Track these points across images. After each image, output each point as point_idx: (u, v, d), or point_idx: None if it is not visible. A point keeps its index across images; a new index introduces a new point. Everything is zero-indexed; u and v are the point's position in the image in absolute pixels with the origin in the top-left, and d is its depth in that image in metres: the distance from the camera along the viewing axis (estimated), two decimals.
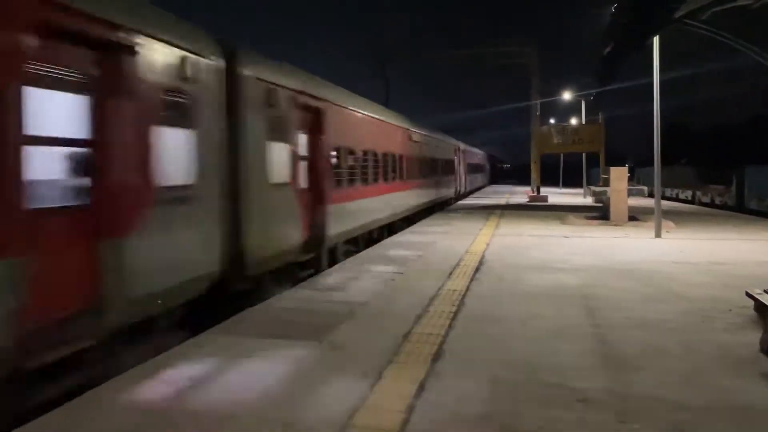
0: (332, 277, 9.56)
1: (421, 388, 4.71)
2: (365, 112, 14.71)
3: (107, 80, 5.49)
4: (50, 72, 5.01)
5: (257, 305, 7.63)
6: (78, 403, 4.46)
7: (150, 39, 6.04)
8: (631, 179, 21.17)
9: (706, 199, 35.19)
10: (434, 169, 25.89)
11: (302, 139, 10.31)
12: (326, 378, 4.91)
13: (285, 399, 4.50)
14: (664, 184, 20.89)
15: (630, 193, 18.45)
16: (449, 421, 4.14)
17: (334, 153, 11.75)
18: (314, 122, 10.71)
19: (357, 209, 13.21)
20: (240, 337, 6.12)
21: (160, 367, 5.21)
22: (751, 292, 6.50)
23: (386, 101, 36.60)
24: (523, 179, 67.55)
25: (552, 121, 52.08)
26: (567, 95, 41.82)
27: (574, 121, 47.01)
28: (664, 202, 20.95)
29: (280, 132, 9.14)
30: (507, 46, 36.08)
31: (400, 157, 18.73)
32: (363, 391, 4.61)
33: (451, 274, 9.62)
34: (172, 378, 4.95)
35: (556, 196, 36.34)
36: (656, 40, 14.26)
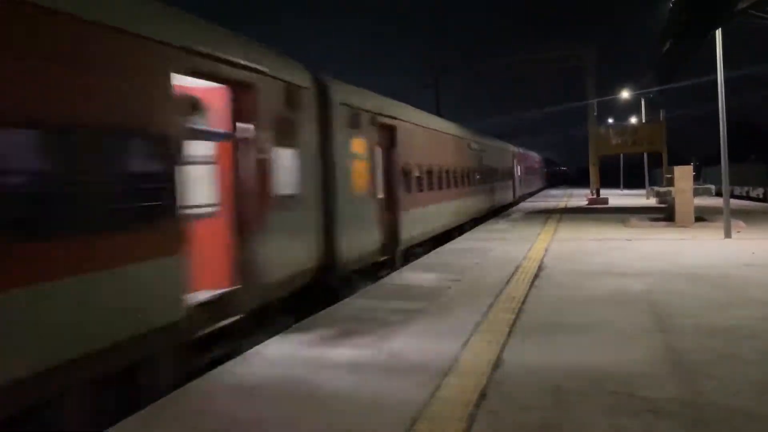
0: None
1: (477, 406, 4.69)
2: (433, 127, 16.59)
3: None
4: None
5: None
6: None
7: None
8: (696, 178, 20.36)
9: None
10: (492, 175, 26.17)
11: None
12: None
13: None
14: (733, 182, 19.97)
15: (696, 193, 17.73)
16: None
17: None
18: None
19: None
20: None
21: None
22: None
23: (438, 111, 36.55)
24: (581, 182, 65.96)
25: (610, 121, 50.77)
26: (625, 94, 40.64)
27: (634, 120, 45.62)
28: (734, 201, 19.99)
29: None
30: (563, 47, 35.45)
31: (459, 165, 19.26)
32: None
33: (508, 281, 9.51)
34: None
35: (617, 197, 35.30)
36: (719, 34, 13.66)
